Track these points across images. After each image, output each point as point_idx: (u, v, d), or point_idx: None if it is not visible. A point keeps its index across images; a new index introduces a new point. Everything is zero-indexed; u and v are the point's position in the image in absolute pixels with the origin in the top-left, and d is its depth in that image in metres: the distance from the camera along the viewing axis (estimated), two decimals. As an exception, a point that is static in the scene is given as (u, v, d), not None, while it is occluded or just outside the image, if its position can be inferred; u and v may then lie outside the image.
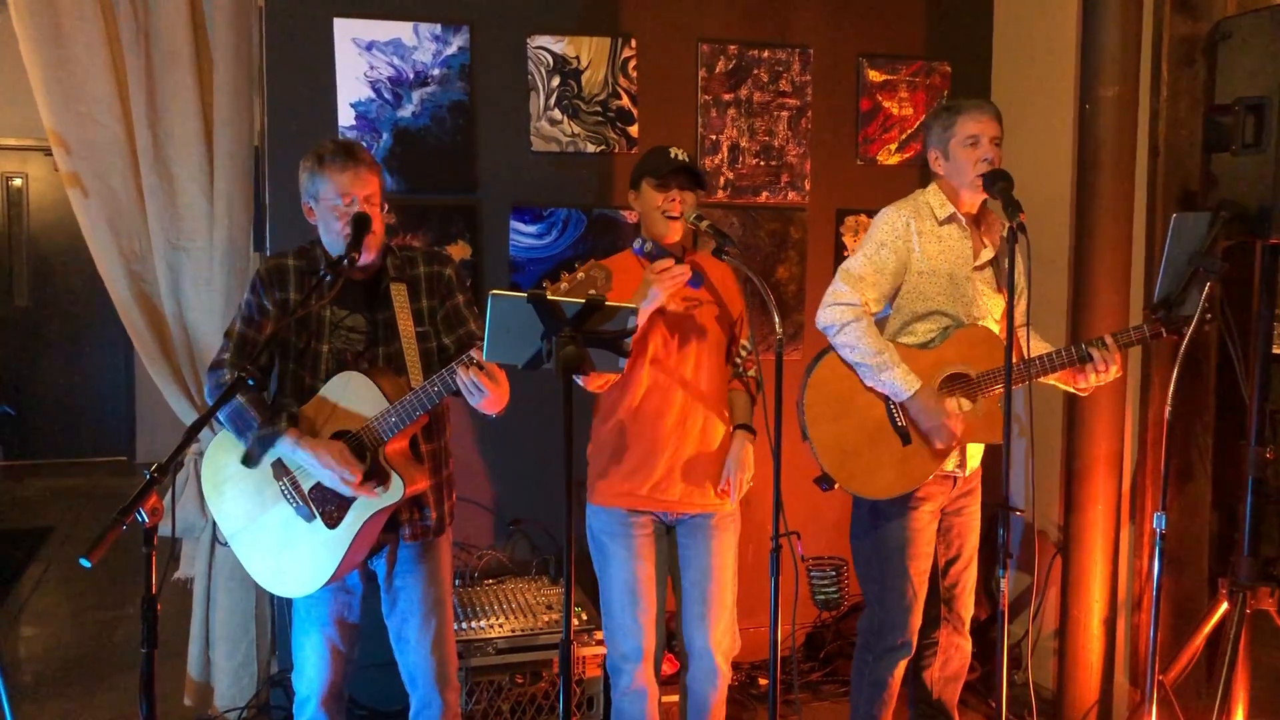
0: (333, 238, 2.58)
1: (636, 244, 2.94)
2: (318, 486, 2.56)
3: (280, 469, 2.58)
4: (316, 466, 2.51)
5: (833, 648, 4.04)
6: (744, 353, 3.01)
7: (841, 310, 2.83)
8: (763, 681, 3.95)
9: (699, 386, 2.87)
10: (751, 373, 3.01)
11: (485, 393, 2.43)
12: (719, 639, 2.95)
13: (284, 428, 2.51)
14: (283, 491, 2.59)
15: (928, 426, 2.80)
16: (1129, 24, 3.41)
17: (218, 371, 2.59)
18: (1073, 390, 2.91)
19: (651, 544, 2.92)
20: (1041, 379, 2.87)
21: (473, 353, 2.42)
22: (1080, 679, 3.60)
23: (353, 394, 2.54)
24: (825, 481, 2.85)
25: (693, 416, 2.86)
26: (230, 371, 2.56)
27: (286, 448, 2.52)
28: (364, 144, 3.59)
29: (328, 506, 2.56)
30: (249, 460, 2.57)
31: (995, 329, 2.92)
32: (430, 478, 2.66)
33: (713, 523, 2.93)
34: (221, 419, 2.57)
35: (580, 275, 2.20)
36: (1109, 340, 2.79)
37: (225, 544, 2.69)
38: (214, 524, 2.70)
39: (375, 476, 2.52)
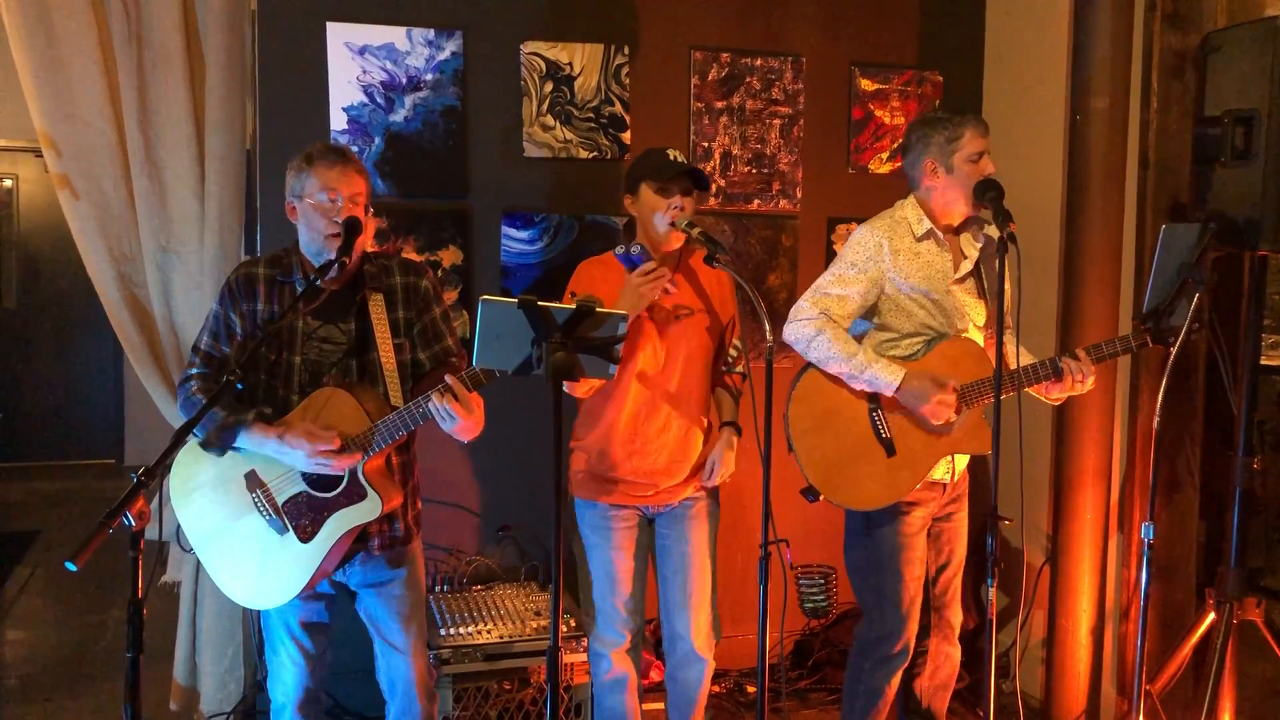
0: (313, 237, 2.53)
1: (619, 249, 2.92)
2: (292, 500, 2.52)
3: (254, 480, 2.54)
4: (288, 452, 2.44)
5: (821, 655, 4.04)
6: (734, 352, 3.02)
7: (803, 325, 2.82)
8: (751, 689, 3.94)
9: (683, 391, 2.89)
10: (740, 369, 3.02)
11: (456, 419, 2.39)
12: (699, 626, 2.97)
13: (250, 419, 2.45)
14: (255, 503, 2.54)
15: (924, 409, 2.78)
16: (1119, 36, 3.43)
17: (186, 386, 2.56)
18: (1044, 399, 2.93)
19: (632, 536, 2.95)
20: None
21: (449, 380, 2.39)
22: (1068, 688, 3.60)
23: (334, 410, 2.47)
24: (811, 493, 2.85)
25: (676, 420, 2.88)
26: (198, 384, 2.54)
27: (253, 442, 2.45)
28: (356, 148, 3.60)
29: (301, 520, 2.51)
30: (207, 445, 2.48)
31: (980, 338, 2.94)
32: (401, 489, 2.63)
33: (691, 512, 2.97)
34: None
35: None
36: (1082, 355, 2.80)
37: (189, 550, 2.65)
38: (178, 529, 2.65)
39: (353, 494, 2.49)
